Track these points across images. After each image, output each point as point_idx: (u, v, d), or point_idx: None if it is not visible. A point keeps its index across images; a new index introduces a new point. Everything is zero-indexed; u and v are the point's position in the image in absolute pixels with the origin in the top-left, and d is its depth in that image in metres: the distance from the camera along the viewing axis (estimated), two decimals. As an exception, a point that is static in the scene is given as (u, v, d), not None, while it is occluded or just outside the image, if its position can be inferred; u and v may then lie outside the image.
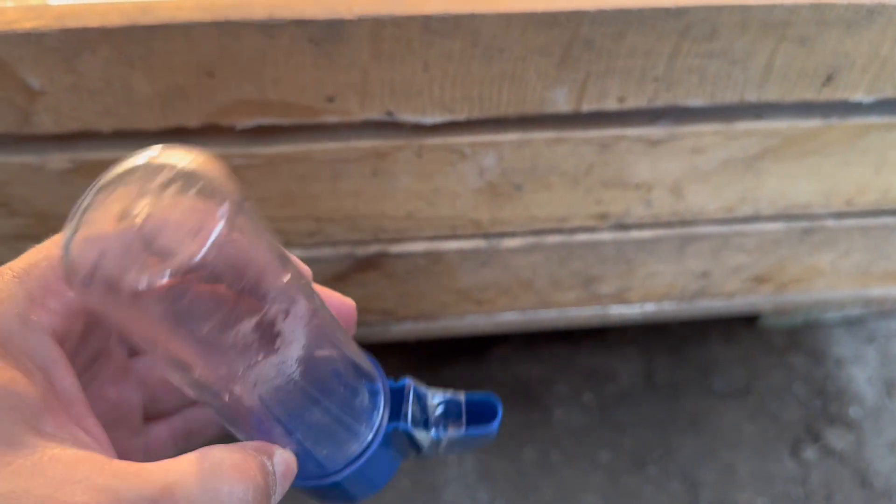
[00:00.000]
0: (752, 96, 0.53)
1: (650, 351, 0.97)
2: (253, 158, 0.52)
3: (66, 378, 0.25)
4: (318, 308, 0.28)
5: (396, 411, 0.33)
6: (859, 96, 0.54)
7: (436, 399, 0.34)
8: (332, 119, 0.50)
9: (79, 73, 0.45)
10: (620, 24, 0.46)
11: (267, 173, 0.53)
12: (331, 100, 0.49)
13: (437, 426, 0.33)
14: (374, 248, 0.61)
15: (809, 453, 0.88)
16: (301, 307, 0.27)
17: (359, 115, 0.50)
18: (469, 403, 0.34)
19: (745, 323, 1.00)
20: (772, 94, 0.53)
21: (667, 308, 0.75)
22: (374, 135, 0.52)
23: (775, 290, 0.75)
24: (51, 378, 0.24)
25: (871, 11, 0.48)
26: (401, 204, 0.58)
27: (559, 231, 0.63)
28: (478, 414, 0.33)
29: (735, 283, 0.72)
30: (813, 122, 0.56)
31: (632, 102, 0.52)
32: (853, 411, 0.92)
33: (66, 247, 0.22)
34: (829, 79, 0.52)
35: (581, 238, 0.64)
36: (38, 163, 0.51)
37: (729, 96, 0.52)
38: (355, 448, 0.32)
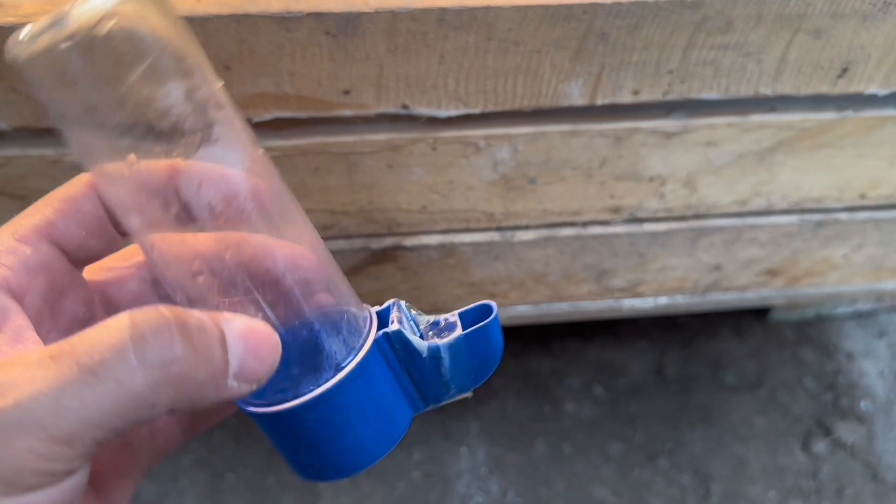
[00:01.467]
0: (766, 89, 0.53)
1: (661, 344, 0.97)
2: (269, 151, 0.52)
3: (16, 321, 0.26)
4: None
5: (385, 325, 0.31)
6: (874, 89, 0.54)
7: (427, 318, 0.32)
8: (347, 112, 0.50)
9: (97, 66, 0.45)
10: (636, 16, 0.46)
11: (283, 166, 0.53)
12: (346, 93, 0.49)
13: (431, 337, 0.31)
14: (388, 241, 0.62)
15: (820, 447, 0.88)
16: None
17: (374, 109, 0.50)
18: (463, 314, 0.32)
19: (757, 316, 1.00)
20: (786, 87, 0.53)
21: (679, 301, 0.75)
22: (389, 128, 0.53)
23: (788, 283, 0.74)
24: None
25: (887, 3, 0.48)
26: (415, 197, 0.58)
27: (572, 224, 0.63)
28: (474, 321, 0.31)
29: (748, 276, 0.72)
30: (827, 115, 0.56)
31: (646, 95, 0.52)
32: (864, 405, 0.92)
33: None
34: (844, 71, 0.52)
35: (594, 231, 0.64)
36: (55, 156, 0.51)
37: (743, 89, 0.52)
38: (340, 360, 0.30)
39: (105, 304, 0.31)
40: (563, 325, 0.93)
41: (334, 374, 0.29)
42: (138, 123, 0.25)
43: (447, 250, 0.63)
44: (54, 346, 0.22)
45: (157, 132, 0.25)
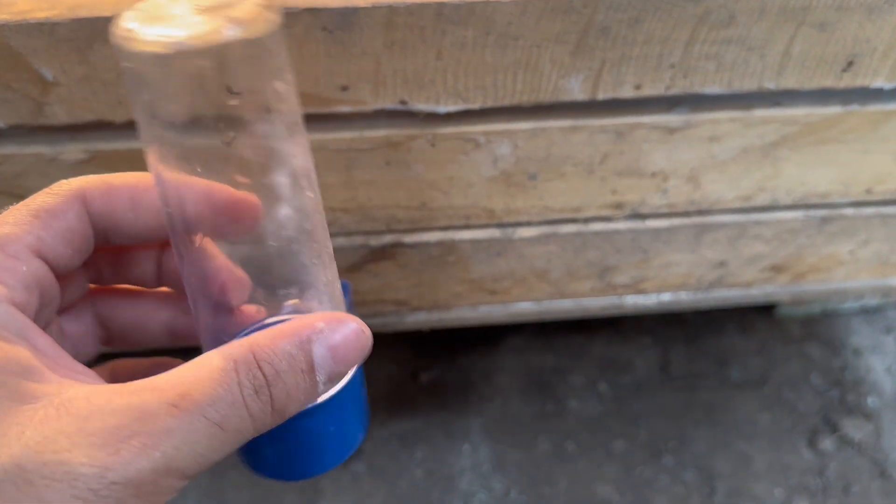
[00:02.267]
0: (770, 83, 0.52)
1: (666, 341, 0.96)
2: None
3: (41, 338, 0.26)
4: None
5: None
6: (880, 82, 0.53)
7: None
8: (345, 109, 0.50)
9: (92, 63, 0.45)
10: (637, 10, 0.46)
11: (280, 163, 0.53)
12: (344, 89, 0.48)
13: None
14: (387, 239, 0.61)
15: (827, 444, 0.87)
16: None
17: (372, 105, 0.50)
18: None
19: (762, 313, 0.99)
20: (790, 81, 0.52)
21: (683, 298, 0.75)
22: (387, 124, 0.52)
23: (793, 279, 0.74)
24: (30, 341, 0.26)
25: (893, -4, 0.47)
26: (414, 193, 0.57)
27: (574, 220, 0.62)
28: None
29: (752, 272, 0.72)
30: (832, 109, 0.56)
31: (648, 90, 0.51)
32: (871, 401, 0.91)
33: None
34: (849, 65, 0.51)
35: (596, 228, 0.63)
36: (51, 154, 0.51)
37: (747, 83, 0.52)
38: None
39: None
40: (567, 321, 0.92)
41: None
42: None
43: (447, 247, 0.63)
44: (168, 387, 0.24)
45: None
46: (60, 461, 0.21)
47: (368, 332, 0.27)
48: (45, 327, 0.29)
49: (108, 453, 0.22)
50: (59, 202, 0.29)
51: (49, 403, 0.23)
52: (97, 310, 0.33)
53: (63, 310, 0.32)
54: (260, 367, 0.25)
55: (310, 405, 0.28)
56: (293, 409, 0.26)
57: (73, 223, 0.29)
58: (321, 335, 0.26)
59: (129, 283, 0.33)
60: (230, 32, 0.24)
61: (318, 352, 0.26)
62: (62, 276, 0.29)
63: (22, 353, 0.24)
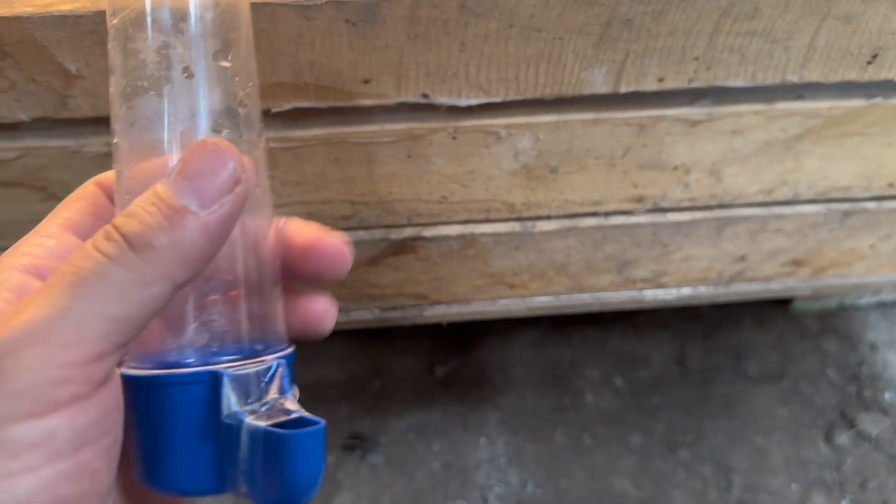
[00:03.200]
0: (793, 76, 0.51)
1: (683, 335, 0.96)
2: (288, 142, 0.52)
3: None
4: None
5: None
6: (905, 75, 0.53)
7: (286, 395, 0.28)
8: (367, 102, 0.49)
9: (116, 56, 0.45)
10: (661, 2, 0.45)
11: (302, 157, 0.53)
12: (366, 82, 0.48)
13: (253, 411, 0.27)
14: (408, 232, 0.61)
15: (844, 439, 0.87)
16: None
17: (394, 98, 0.49)
18: (301, 419, 0.27)
19: (779, 307, 0.99)
20: (814, 74, 0.52)
21: (703, 292, 0.74)
22: (409, 117, 0.52)
23: (813, 274, 0.73)
24: (23, 296, 0.26)
25: (920, -12, 0.46)
26: (435, 187, 0.57)
27: (594, 214, 0.62)
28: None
29: (773, 267, 0.71)
30: (856, 102, 0.55)
31: (671, 83, 0.51)
32: (888, 396, 0.91)
33: None
34: (874, 58, 0.51)
35: (616, 221, 0.63)
36: (75, 147, 0.51)
37: (770, 76, 0.51)
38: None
39: None
40: (583, 315, 0.92)
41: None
42: None
43: (467, 241, 0.63)
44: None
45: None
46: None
47: (219, 139, 0.26)
48: None
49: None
50: (82, 192, 0.31)
51: None
52: None
53: None
54: (111, 224, 0.25)
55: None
56: (166, 238, 0.24)
57: (95, 199, 0.30)
58: (168, 175, 0.25)
59: None
60: None
61: (169, 184, 0.25)
62: None
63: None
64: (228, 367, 0.27)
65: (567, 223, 0.62)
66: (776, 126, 0.56)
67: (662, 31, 0.47)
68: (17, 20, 0.42)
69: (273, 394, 0.28)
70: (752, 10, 0.47)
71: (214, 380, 0.27)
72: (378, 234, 0.61)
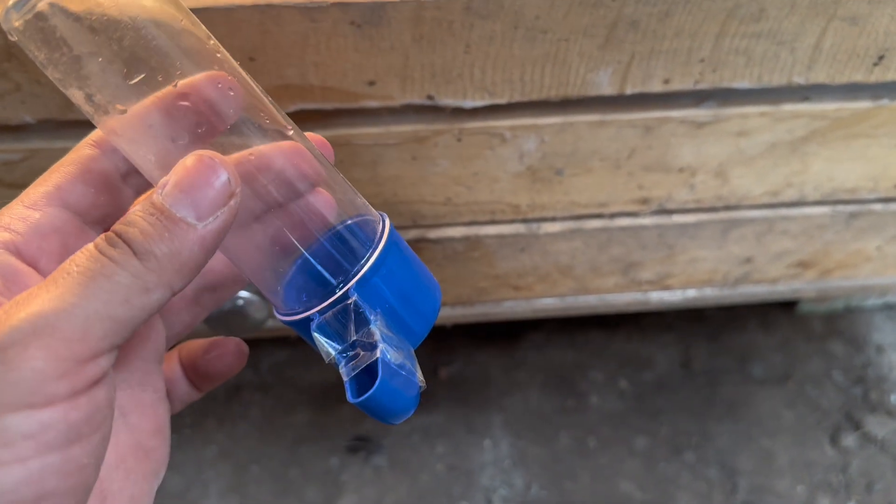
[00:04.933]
0: (800, 78, 0.51)
1: (687, 337, 0.96)
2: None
3: (29, 282, 0.27)
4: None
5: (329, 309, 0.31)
6: (912, 77, 0.52)
7: (366, 328, 0.31)
8: (372, 104, 0.49)
9: (121, 58, 0.45)
10: (666, 3, 0.45)
11: (307, 158, 0.53)
12: (371, 84, 0.48)
13: (345, 353, 0.31)
14: (412, 234, 0.61)
15: (849, 441, 0.87)
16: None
17: (399, 100, 0.49)
18: (374, 364, 0.31)
19: (784, 309, 0.98)
20: (820, 76, 0.52)
21: (708, 294, 0.74)
22: (414, 119, 0.52)
23: (820, 275, 0.73)
24: (14, 281, 0.27)
25: (927, -11, 0.46)
26: (440, 189, 0.57)
27: (599, 216, 0.62)
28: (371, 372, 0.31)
29: (779, 268, 0.71)
30: (862, 104, 0.55)
31: (677, 84, 0.51)
32: (894, 398, 0.91)
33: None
34: (880, 59, 0.51)
35: (622, 223, 0.63)
36: (80, 148, 0.51)
37: (776, 78, 0.51)
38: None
39: None
40: (588, 317, 0.92)
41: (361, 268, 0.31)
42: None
43: (472, 243, 0.63)
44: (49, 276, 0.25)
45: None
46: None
47: (209, 152, 0.27)
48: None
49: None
50: (75, 155, 0.30)
51: None
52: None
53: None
54: (111, 229, 0.25)
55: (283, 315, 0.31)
56: (166, 248, 0.25)
57: (91, 165, 0.30)
58: (166, 185, 0.26)
59: None
60: None
61: (166, 195, 0.25)
62: (94, 220, 0.31)
63: None
64: (320, 309, 0.31)
65: (572, 225, 0.62)
66: (782, 128, 0.56)
67: (668, 33, 0.47)
68: (23, 22, 0.42)
69: (353, 332, 0.31)
70: (757, 12, 0.46)
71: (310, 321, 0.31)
72: (383, 235, 0.61)
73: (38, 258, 0.28)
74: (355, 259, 0.31)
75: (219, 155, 0.27)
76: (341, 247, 0.32)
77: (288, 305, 0.32)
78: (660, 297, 0.74)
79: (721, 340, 0.96)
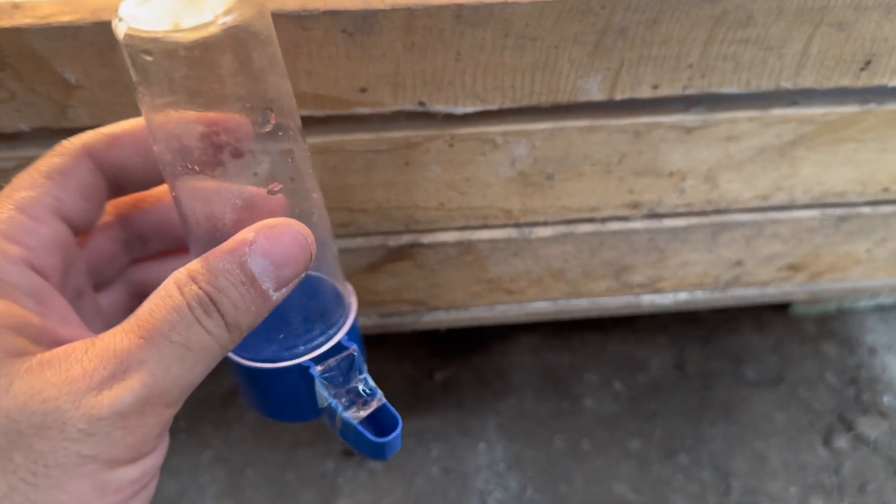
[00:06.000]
0: (787, 83, 0.52)
1: (681, 340, 0.96)
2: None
3: (56, 300, 0.28)
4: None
5: (324, 358, 0.33)
6: (898, 82, 0.53)
7: (362, 377, 0.33)
8: (364, 110, 0.50)
9: (114, 66, 0.45)
10: (654, 11, 0.46)
11: (300, 164, 0.53)
12: (363, 91, 0.49)
13: (341, 398, 0.33)
14: (405, 239, 0.61)
15: (842, 442, 0.87)
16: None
17: (391, 106, 0.50)
18: (381, 409, 0.33)
19: (777, 311, 0.99)
20: (808, 81, 0.52)
21: (700, 297, 0.75)
22: (406, 125, 0.52)
23: (810, 278, 0.74)
24: (43, 303, 0.27)
25: (912, -5, 0.47)
26: (432, 194, 0.58)
27: (591, 220, 0.63)
28: (380, 421, 0.33)
29: (769, 271, 0.72)
30: (850, 109, 0.56)
31: (666, 90, 0.51)
32: (887, 400, 0.91)
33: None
34: (867, 64, 0.51)
35: (613, 227, 0.63)
36: (74, 156, 0.51)
37: (764, 83, 0.52)
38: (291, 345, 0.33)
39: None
40: (582, 320, 0.92)
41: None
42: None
43: (465, 247, 0.63)
44: (133, 325, 0.25)
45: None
46: (47, 410, 0.23)
47: (305, 230, 0.28)
48: (77, 297, 0.30)
49: (91, 395, 0.23)
50: (68, 161, 0.30)
51: (34, 357, 0.24)
52: (133, 281, 0.35)
53: (100, 286, 0.33)
54: (202, 288, 0.26)
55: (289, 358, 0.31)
56: (249, 321, 0.27)
57: (86, 178, 0.30)
58: (254, 246, 0.26)
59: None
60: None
61: (256, 263, 0.26)
62: (81, 232, 0.31)
63: (24, 313, 0.26)
64: (314, 357, 0.33)
65: (564, 229, 0.63)
66: (771, 132, 0.56)
67: (656, 40, 0.48)
68: (18, 31, 0.43)
69: (354, 381, 0.33)
70: (745, 19, 0.47)
71: (303, 368, 0.32)
72: (376, 240, 0.61)
73: (49, 274, 0.28)
74: (338, 306, 0.33)
75: (308, 231, 0.28)
76: (324, 295, 0.33)
77: (254, 350, 0.33)
78: (651, 301, 0.74)
79: (715, 343, 0.96)
